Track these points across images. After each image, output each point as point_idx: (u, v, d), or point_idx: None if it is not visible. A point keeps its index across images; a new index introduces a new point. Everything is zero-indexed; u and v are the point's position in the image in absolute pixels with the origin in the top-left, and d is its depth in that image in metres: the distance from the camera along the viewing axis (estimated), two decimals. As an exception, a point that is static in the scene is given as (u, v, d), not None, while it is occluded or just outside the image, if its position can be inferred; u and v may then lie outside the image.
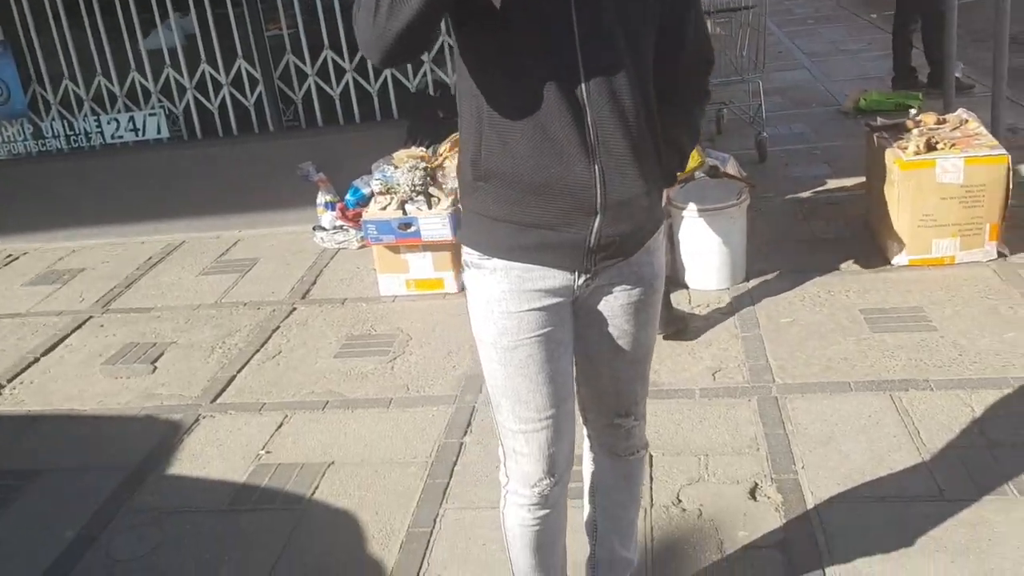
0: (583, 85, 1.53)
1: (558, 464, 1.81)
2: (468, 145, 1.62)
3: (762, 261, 4.21)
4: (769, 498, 2.63)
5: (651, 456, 2.87)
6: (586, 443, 2.04)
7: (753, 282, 4.08)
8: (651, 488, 2.72)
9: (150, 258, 5.28)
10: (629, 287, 1.75)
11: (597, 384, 1.89)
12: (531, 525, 1.87)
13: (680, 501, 2.66)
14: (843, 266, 4.13)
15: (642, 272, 1.76)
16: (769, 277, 4.11)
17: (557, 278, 1.68)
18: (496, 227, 1.65)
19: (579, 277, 1.69)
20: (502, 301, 1.69)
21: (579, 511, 2.16)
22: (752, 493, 2.66)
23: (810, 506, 2.57)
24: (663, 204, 1.80)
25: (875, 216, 4.41)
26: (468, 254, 1.72)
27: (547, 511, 1.86)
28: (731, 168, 4.84)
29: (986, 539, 2.35)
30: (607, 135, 1.56)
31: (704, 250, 4.02)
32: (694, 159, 4.09)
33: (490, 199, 1.63)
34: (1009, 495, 2.50)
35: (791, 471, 2.73)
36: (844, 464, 2.73)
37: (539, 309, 1.69)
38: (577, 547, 2.21)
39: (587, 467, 2.07)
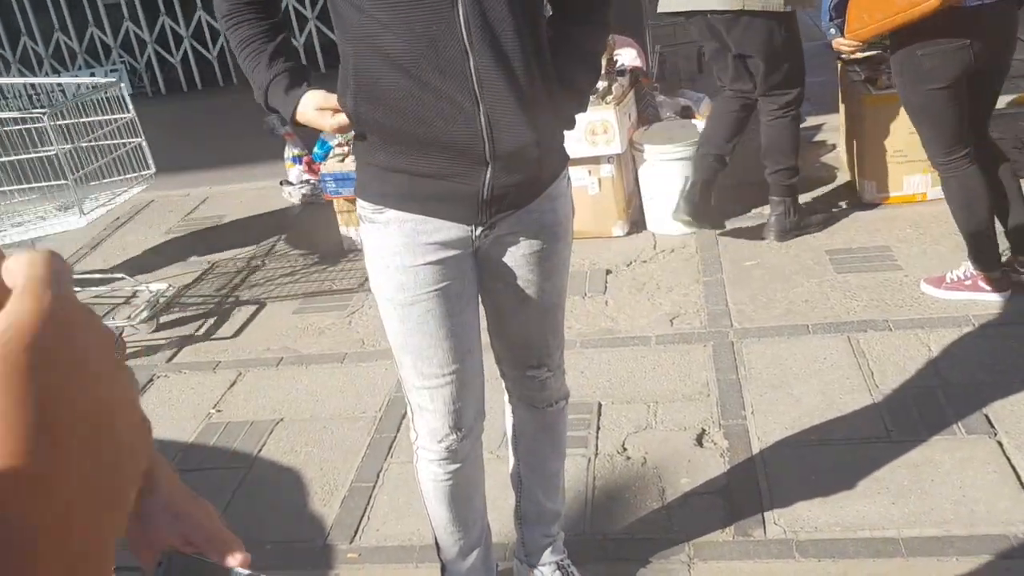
0: (464, 30, 1.43)
1: (464, 418, 1.76)
2: (343, 98, 1.54)
3: (731, 203, 4.12)
4: (715, 444, 2.58)
5: (600, 405, 2.82)
6: (506, 395, 1.99)
7: (720, 225, 4.00)
8: (597, 437, 2.68)
9: (117, 218, 5.22)
10: (530, 236, 1.68)
11: (506, 336, 1.83)
12: (443, 480, 1.83)
13: (625, 449, 2.61)
14: (814, 206, 4.04)
15: (543, 220, 1.68)
16: (737, 219, 4.02)
17: (453, 230, 1.61)
18: (389, 177, 1.58)
19: (476, 229, 1.62)
20: (397, 255, 1.62)
21: (506, 463, 2.12)
22: (699, 440, 2.61)
23: (755, 451, 2.52)
24: (563, 147, 1.72)
25: (848, 154, 4.31)
26: (362, 208, 1.65)
27: (457, 465, 1.82)
28: (705, 109, 4.73)
29: (929, 479, 2.30)
30: (492, 82, 1.47)
31: (668, 193, 3.92)
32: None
33: (379, 150, 1.56)
34: (957, 434, 2.44)
35: (740, 416, 2.68)
36: (794, 408, 2.68)
37: (436, 263, 1.62)
38: (507, 498, 2.17)
39: (508, 419, 2.02)
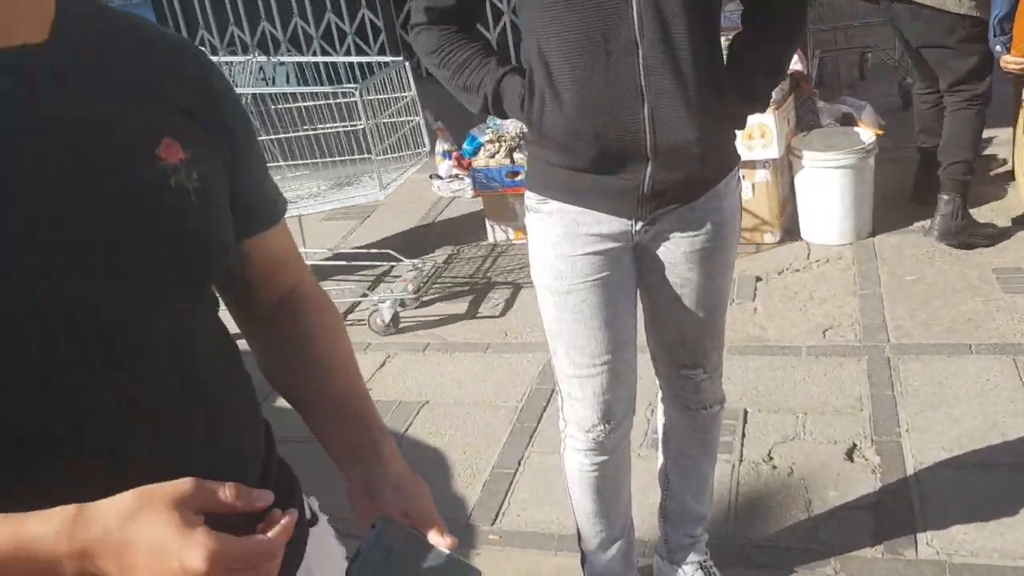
0: (636, 22, 1.46)
1: (614, 411, 1.77)
2: (526, 93, 1.58)
3: (892, 214, 3.97)
4: (867, 460, 2.50)
5: (745, 412, 2.78)
6: (659, 394, 1.99)
7: (879, 237, 3.86)
8: (742, 444, 2.64)
9: (278, 203, 5.49)
10: (692, 233, 1.67)
11: (662, 333, 1.83)
12: (589, 471, 1.85)
13: (771, 458, 2.57)
14: (981, 221, 3.83)
15: (708, 218, 1.68)
16: (898, 232, 3.87)
17: (613, 223, 1.63)
18: (554, 170, 1.63)
19: (636, 223, 1.64)
20: (557, 245, 1.66)
21: (648, 462, 2.13)
22: (849, 454, 2.53)
23: (910, 471, 2.43)
24: (733, 145, 1.71)
25: (1020, 166, 4.07)
26: (528, 197, 1.70)
27: (604, 458, 1.83)
28: (867, 116, 4.59)
29: (1101, 514, 2.17)
30: (658, 77, 1.49)
31: (825, 202, 3.81)
32: None
33: (548, 145, 1.60)
34: None
35: (894, 433, 2.58)
36: (952, 429, 2.56)
37: (594, 253, 1.64)
38: (649, 494, 2.17)
39: (660, 417, 2.02)
